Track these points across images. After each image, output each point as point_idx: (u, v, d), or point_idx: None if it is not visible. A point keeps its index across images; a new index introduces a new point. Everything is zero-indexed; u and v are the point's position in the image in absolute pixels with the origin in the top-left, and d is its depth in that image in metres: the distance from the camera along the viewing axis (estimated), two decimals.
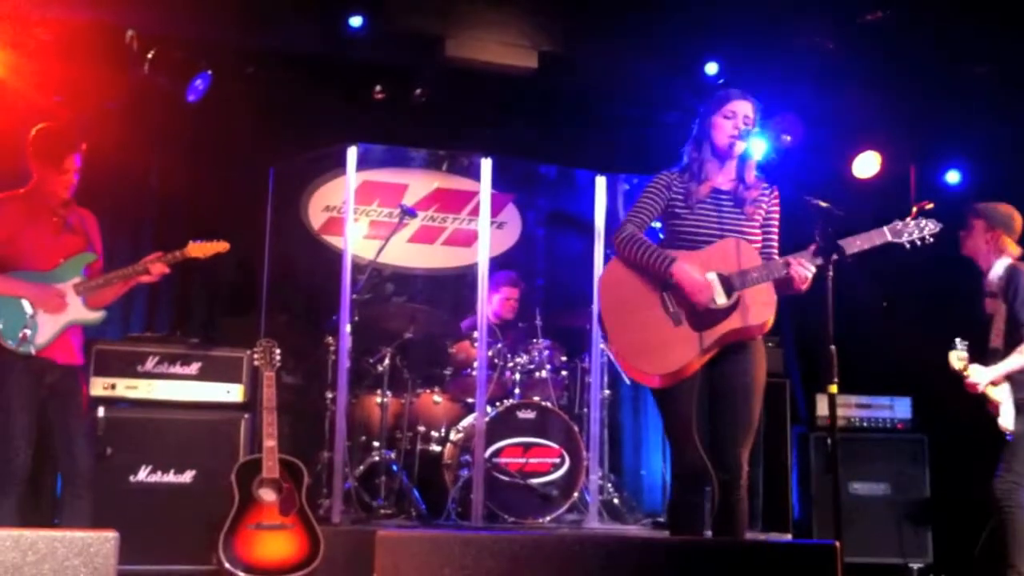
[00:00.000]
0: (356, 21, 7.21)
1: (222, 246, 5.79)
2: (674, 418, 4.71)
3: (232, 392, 6.50)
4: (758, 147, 4.78)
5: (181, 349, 6.46)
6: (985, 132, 7.83)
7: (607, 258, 6.89)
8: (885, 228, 4.75)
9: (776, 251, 4.88)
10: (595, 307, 6.11)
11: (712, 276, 4.64)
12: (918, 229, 4.74)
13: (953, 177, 8.22)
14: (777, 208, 4.94)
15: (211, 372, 6.47)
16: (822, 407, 7.70)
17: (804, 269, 4.62)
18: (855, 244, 4.67)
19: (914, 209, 4.88)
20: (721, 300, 4.63)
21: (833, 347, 4.44)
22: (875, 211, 5.15)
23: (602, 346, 7.26)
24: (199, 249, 5.72)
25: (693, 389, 4.67)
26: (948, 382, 5.91)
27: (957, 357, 5.83)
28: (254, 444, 6.32)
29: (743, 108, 4.82)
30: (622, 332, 4.72)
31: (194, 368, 6.44)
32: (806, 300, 4.83)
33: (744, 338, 4.71)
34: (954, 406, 6.25)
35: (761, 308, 4.66)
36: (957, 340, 5.85)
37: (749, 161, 4.83)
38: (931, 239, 4.75)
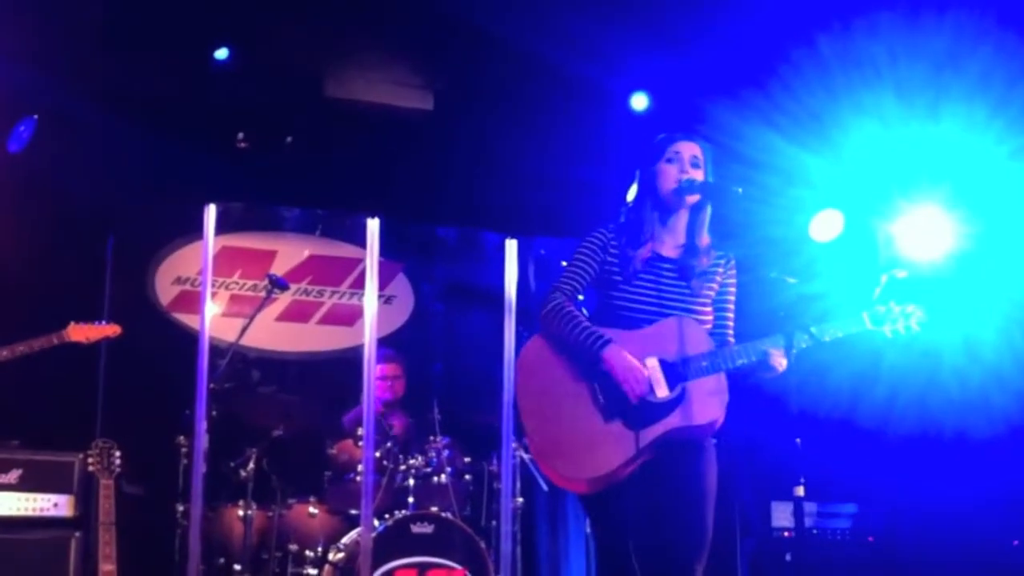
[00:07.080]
0: (221, 53, 7.18)
1: (111, 329, 5.79)
2: (604, 528, 4.63)
3: (60, 505, 6.43)
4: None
5: None
6: None
7: (520, 337, 6.88)
8: (864, 314, 4.68)
9: (730, 333, 4.79)
10: (507, 393, 6.05)
11: (653, 363, 4.55)
12: (903, 317, 4.66)
13: None
14: (733, 282, 4.85)
15: (35, 480, 6.41)
16: (779, 517, 7.68)
17: (780, 360, 4.55)
18: (829, 332, 4.63)
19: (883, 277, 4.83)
20: (662, 392, 4.53)
21: (799, 440, 4.37)
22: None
23: (514, 445, 7.21)
24: (81, 332, 5.68)
25: (627, 494, 4.54)
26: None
27: None
28: (87, 568, 6.23)
29: (688, 149, 4.73)
30: (542, 425, 4.64)
31: (13, 476, 6.37)
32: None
33: (689, 438, 4.59)
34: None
35: (708, 404, 4.54)
36: None
37: (702, 220, 4.76)
38: (918, 328, 4.65)
